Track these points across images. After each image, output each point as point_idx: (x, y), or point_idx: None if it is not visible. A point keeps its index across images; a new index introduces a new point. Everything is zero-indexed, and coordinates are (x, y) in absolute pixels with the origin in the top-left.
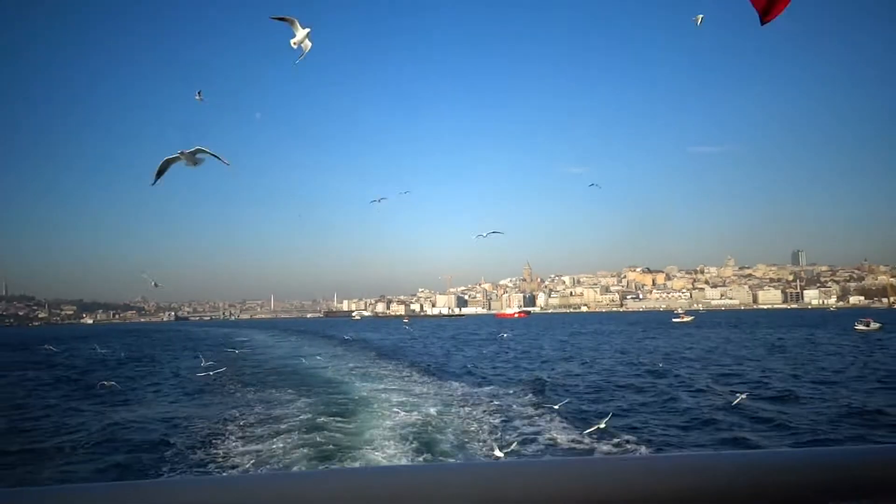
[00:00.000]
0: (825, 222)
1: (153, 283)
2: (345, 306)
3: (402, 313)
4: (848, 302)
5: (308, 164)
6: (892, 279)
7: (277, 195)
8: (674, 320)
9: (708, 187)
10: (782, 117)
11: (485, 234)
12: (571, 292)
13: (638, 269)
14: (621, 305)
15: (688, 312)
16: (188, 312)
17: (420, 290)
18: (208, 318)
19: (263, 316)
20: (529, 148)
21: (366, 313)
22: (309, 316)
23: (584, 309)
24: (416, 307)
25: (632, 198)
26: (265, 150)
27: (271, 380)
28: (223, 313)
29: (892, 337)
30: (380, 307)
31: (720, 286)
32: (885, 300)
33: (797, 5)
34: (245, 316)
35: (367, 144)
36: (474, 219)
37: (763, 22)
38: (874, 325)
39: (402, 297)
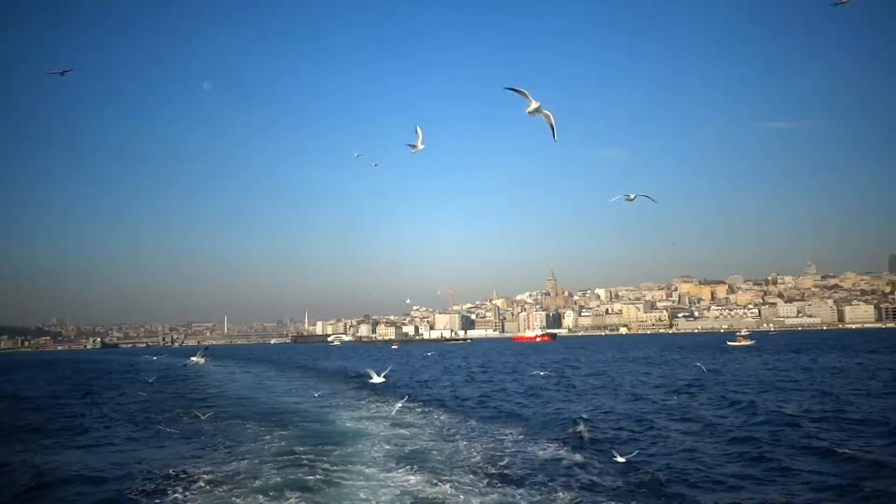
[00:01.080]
0: None
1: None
2: (318, 329)
3: (392, 336)
4: None
5: (275, 149)
6: None
7: (234, 188)
8: (729, 343)
9: (782, 174)
10: (878, 86)
11: (632, 197)
12: (608, 309)
13: (693, 280)
14: (670, 326)
15: (751, 335)
16: (118, 338)
17: (415, 307)
18: (144, 344)
19: (214, 341)
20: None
21: (346, 338)
22: (273, 342)
23: (623, 330)
24: (409, 329)
25: (684, 188)
26: (219, 131)
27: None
28: (163, 339)
29: None
30: (363, 330)
31: (797, 300)
32: None
33: None
34: (191, 342)
35: (353, 131)
36: (482, 218)
37: None
38: None
39: (391, 318)
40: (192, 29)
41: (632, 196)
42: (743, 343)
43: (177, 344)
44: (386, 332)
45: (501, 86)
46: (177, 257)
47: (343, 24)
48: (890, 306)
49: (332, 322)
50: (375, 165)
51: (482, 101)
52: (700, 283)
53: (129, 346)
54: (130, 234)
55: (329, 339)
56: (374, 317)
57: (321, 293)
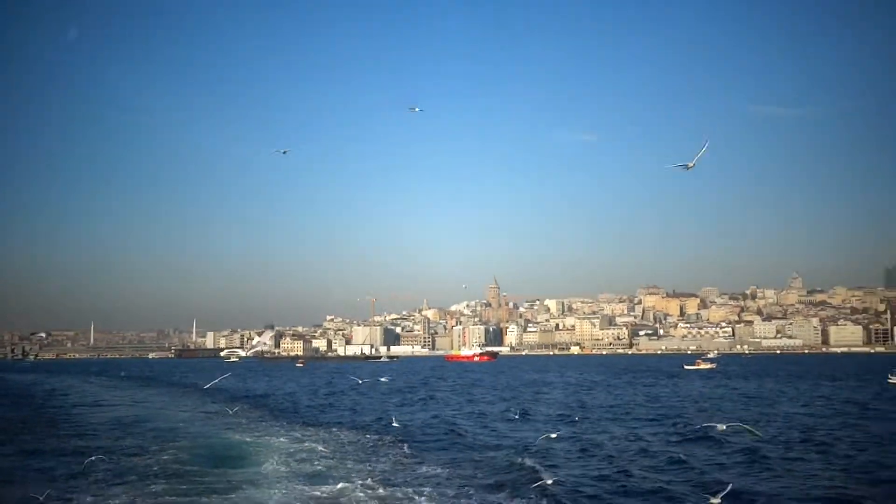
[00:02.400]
0: None
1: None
2: (209, 341)
3: (300, 353)
4: None
5: (159, 110)
6: None
7: (101, 161)
8: (686, 367)
9: (770, 169)
10: (879, 75)
11: (691, 165)
12: (559, 325)
13: (660, 292)
14: (630, 345)
15: (719, 357)
16: None
17: (329, 317)
18: None
19: (77, 354)
20: (505, 101)
21: (242, 353)
22: (152, 356)
23: (574, 350)
24: (321, 344)
25: (656, 183)
26: (86, 87)
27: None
28: (11, 350)
29: None
30: (265, 342)
31: (778, 318)
32: None
33: None
34: (48, 354)
35: (264, 95)
36: (414, 213)
37: None
38: None
39: (300, 329)
40: None
41: (691, 164)
42: (702, 367)
43: (31, 357)
44: (292, 347)
45: None
46: (28, 249)
47: None
48: (881, 327)
49: (226, 333)
50: (285, 153)
51: (417, 74)
52: (668, 295)
53: None
54: None
55: (222, 353)
56: (277, 328)
57: (213, 299)
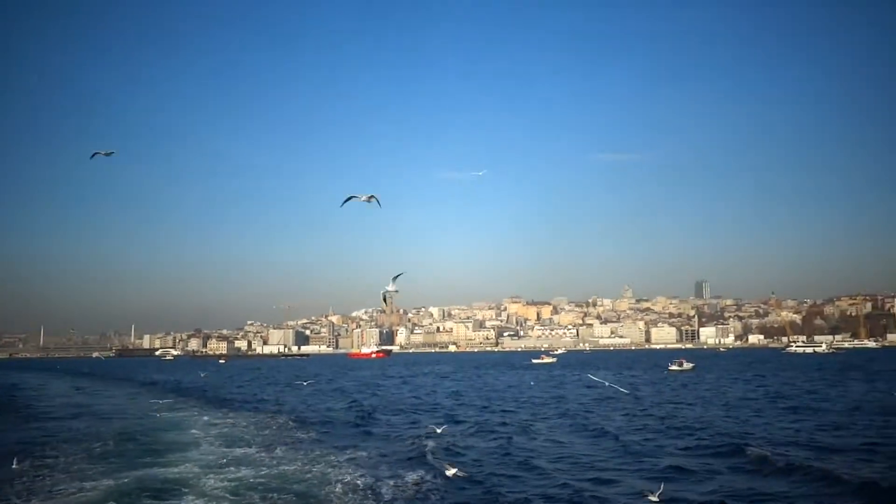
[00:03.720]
0: (733, 250)
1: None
2: (146, 342)
3: (225, 352)
4: (746, 341)
5: (105, 145)
6: (793, 316)
7: (46, 182)
8: (533, 361)
9: (608, 204)
10: (694, 128)
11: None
12: (439, 327)
13: (521, 301)
14: (497, 344)
15: (566, 353)
16: None
17: (249, 322)
18: None
19: (28, 354)
20: (392, 146)
21: (175, 352)
22: (95, 355)
23: (452, 348)
24: (242, 344)
25: (519, 214)
26: (41, 123)
27: None
28: None
29: (689, 380)
30: (194, 344)
31: (613, 322)
32: (783, 339)
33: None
34: (2, 355)
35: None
36: (319, 233)
37: None
38: (687, 366)
39: (224, 332)
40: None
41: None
42: (545, 360)
43: None
44: (218, 347)
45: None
46: None
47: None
48: (690, 328)
49: (161, 336)
50: (108, 155)
51: (323, 109)
52: (528, 303)
53: None
54: None
55: (157, 353)
56: (205, 331)
57: (149, 305)
